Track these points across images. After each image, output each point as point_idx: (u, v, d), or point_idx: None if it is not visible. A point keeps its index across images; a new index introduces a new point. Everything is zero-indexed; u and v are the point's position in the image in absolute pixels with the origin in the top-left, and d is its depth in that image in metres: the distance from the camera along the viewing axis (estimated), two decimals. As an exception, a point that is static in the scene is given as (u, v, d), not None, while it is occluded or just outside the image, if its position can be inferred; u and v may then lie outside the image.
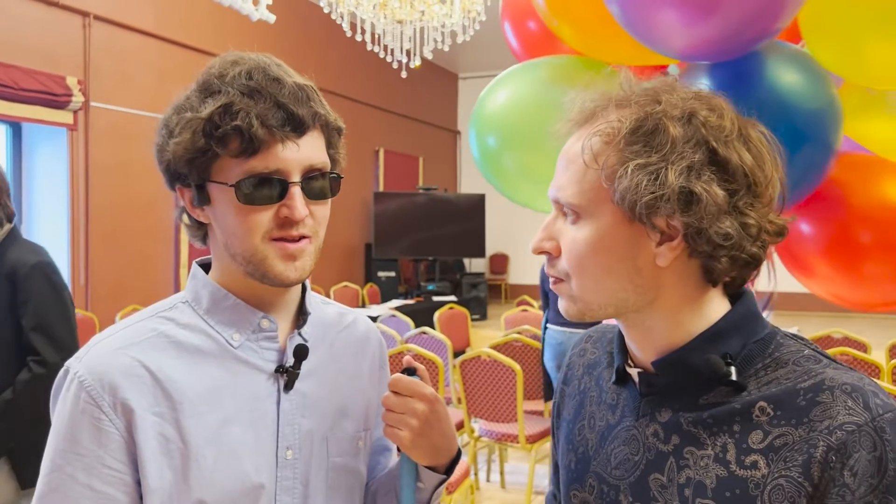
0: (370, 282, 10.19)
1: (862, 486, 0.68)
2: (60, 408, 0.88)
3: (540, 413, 4.37)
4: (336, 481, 1.00)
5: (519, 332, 4.68)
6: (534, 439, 3.96)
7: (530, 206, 2.41)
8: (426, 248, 10.63)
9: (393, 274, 10.40)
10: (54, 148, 6.13)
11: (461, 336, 6.58)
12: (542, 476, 4.62)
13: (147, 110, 6.72)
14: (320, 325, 1.05)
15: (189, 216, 0.97)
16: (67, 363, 0.90)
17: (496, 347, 4.21)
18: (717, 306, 0.82)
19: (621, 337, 0.90)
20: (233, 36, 7.70)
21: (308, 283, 1.05)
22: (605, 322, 0.95)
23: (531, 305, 6.87)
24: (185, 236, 7.58)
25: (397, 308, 7.39)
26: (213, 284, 0.96)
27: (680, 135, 0.76)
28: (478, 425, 4.15)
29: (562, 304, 0.86)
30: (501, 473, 4.61)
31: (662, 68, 2.13)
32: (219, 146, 0.87)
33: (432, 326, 5.98)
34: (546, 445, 4.47)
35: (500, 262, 13.55)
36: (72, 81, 5.97)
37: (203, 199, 0.92)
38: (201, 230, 0.98)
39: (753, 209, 0.78)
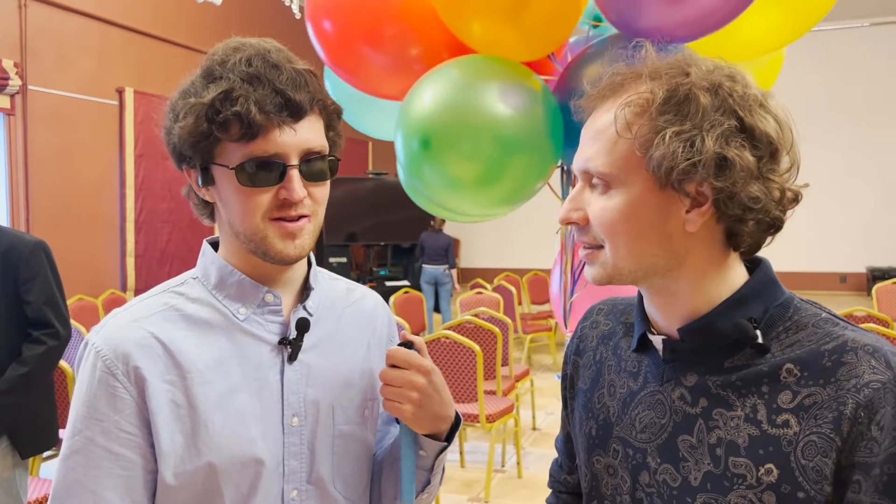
0: (321, 267, 10.09)
1: (887, 438, 0.73)
2: (81, 377, 0.95)
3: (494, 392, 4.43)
4: (342, 448, 1.04)
5: (475, 315, 4.71)
6: (493, 418, 4.01)
7: (454, 212, 2.43)
8: (377, 234, 10.58)
9: (344, 259, 10.33)
10: (-9, 134, 5.90)
11: (418, 320, 6.61)
12: (501, 454, 4.70)
13: (89, 94, 6.51)
14: (328, 300, 1.10)
15: (196, 195, 1.01)
16: (87, 336, 0.96)
17: (451, 329, 4.24)
18: (737, 273, 0.87)
19: (642, 305, 0.94)
20: (175, 17, 7.50)
21: (314, 259, 1.10)
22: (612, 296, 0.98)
23: (485, 288, 6.94)
24: (130, 225, 7.44)
25: (351, 293, 7.35)
26: (221, 261, 1.01)
27: (709, 104, 0.80)
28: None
29: (590, 271, 0.89)
30: (461, 453, 4.66)
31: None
32: (220, 131, 0.91)
33: (388, 310, 5.98)
34: (506, 424, 4.54)
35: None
36: (8, 64, 5.74)
37: (207, 179, 0.97)
38: (207, 208, 1.02)
39: (775, 174, 0.82)
